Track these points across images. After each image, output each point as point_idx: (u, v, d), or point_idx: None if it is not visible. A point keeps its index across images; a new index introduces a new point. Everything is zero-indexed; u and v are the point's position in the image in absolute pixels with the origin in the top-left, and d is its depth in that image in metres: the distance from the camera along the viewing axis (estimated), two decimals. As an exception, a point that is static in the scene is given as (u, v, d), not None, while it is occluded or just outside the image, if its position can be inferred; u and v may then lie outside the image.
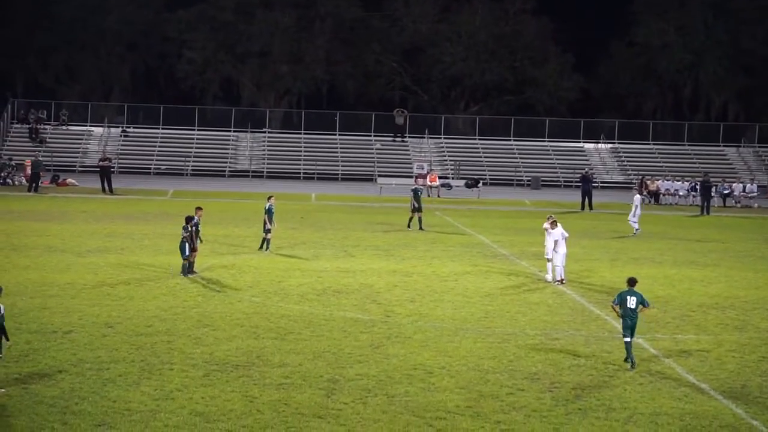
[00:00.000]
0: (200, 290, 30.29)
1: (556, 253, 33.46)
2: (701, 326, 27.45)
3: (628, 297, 22.61)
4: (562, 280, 33.45)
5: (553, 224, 33.70)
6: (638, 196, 51.33)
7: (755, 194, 74.62)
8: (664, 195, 74.44)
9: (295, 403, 19.03)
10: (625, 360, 22.66)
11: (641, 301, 22.62)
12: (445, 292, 31.45)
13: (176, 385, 19.83)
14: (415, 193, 49.35)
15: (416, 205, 48.69)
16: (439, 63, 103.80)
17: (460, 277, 34.58)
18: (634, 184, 58.30)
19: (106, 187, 65.34)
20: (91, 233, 43.21)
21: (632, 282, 22.93)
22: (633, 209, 50.03)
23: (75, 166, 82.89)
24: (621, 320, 22.87)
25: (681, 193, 74.41)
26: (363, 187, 77.28)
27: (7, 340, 19.60)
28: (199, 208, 34.47)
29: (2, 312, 19.25)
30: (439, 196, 72.31)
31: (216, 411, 18.38)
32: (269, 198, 39.91)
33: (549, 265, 34.15)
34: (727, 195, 73.67)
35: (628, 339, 22.54)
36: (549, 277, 33.93)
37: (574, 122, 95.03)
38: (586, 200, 64.45)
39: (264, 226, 39.27)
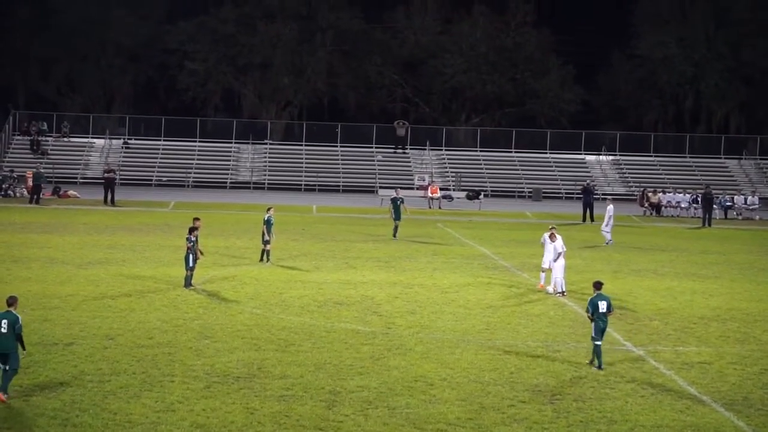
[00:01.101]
0: (201, 302, 30.28)
1: (555, 266, 33.54)
2: (703, 338, 27.44)
3: (599, 302, 23.28)
4: (563, 292, 33.45)
5: (552, 236, 33.83)
6: (611, 206, 51.54)
7: (757, 206, 74.58)
8: (665, 207, 74.39)
9: (296, 415, 19.02)
10: (591, 362, 23.48)
11: (609, 305, 23.38)
12: (446, 304, 31.43)
13: (177, 397, 19.83)
14: (394, 202, 49.84)
15: (394, 215, 49.64)
16: (441, 75, 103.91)
17: (462, 288, 34.58)
18: (609, 196, 58.10)
19: (109, 199, 65.32)
20: (93, 245, 43.22)
21: (598, 285, 23.74)
22: (606, 219, 50.51)
23: (76, 178, 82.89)
24: (593, 324, 23.35)
25: (683, 206, 74.37)
26: (364, 199, 77.28)
27: (24, 350, 19.76)
28: (196, 219, 34.32)
29: (20, 322, 19.49)
30: (440, 208, 72.34)
31: (217, 423, 18.38)
32: (268, 209, 39.98)
33: (542, 275, 34.38)
34: (729, 207, 73.65)
35: (599, 342, 23.26)
36: (550, 288, 33.94)
37: (575, 134, 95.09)
38: (588, 212, 64.47)
39: (263, 238, 39.31)
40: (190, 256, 32.36)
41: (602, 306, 23.20)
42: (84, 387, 20.31)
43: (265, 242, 39.15)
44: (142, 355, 23.09)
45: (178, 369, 21.97)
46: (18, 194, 70.88)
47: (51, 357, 22.59)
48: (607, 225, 50.50)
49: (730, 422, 19.65)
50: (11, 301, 19.81)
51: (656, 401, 20.86)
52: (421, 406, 19.90)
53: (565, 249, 33.87)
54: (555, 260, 33.50)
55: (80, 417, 18.40)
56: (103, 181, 68.64)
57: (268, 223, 39.06)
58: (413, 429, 18.48)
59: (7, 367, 19.22)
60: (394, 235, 49.37)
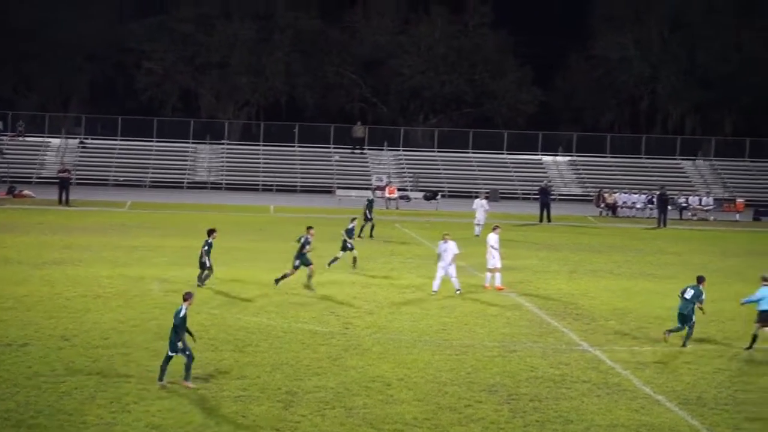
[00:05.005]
0: (157, 302, 30.14)
1: (450, 269, 33.66)
2: (658, 338, 27.63)
3: (688, 288, 26.65)
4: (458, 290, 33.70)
5: (445, 238, 33.92)
6: (478, 200, 55.66)
7: (711, 207, 75.15)
8: (621, 207, 74.82)
9: (253, 415, 18.98)
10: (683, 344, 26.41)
11: (697, 296, 26.47)
12: (403, 304, 31.49)
13: (133, 398, 19.73)
14: (370, 203, 50.66)
15: (368, 215, 50.44)
16: (399, 75, 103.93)
17: (419, 288, 34.64)
18: (481, 194, 58.42)
19: (63, 199, 64.85)
20: (48, 245, 42.87)
21: (698, 279, 26.96)
22: (481, 213, 54.16)
23: (32, 178, 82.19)
24: None
25: (638, 206, 74.78)
26: (322, 199, 77.21)
27: (194, 339, 21.53)
28: (213, 230, 33.89)
29: (183, 313, 20.80)
30: (397, 208, 72.35)
31: (173, 424, 18.31)
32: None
33: (488, 275, 35.23)
34: (684, 208, 74.20)
35: (679, 325, 26.43)
36: (487, 283, 35.01)
37: (532, 135, 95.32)
38: (545, 212, 64.74)
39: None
40: (206, 259, 32.65)
41: (688, 293, 26.37)
42: (39, 388, 20.16)
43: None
44: (97, 355, 22.96)
45: (133, 369, 21.86)
46: (-28, 194, 70.18)
47: (5, 358, 22.41)
48: (480, 219, 53.21)
49: (684, 421, 19.82)
50: (187, 297, 21.36)
51: (612, 401, 21.00)
52: (378, 406, 19.93)
53: (458, 251, 33.98)
54: (451, 263, 33.50)
55: (35, 418, 18.28)
56: (57, 180, 68.11)
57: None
58: (370, 429, 18.51)
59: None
60: (363, 234, 49.72)
